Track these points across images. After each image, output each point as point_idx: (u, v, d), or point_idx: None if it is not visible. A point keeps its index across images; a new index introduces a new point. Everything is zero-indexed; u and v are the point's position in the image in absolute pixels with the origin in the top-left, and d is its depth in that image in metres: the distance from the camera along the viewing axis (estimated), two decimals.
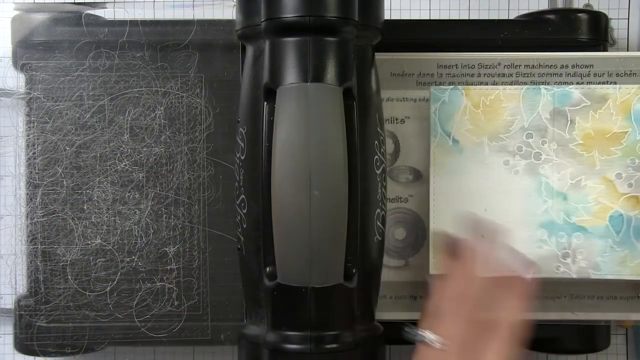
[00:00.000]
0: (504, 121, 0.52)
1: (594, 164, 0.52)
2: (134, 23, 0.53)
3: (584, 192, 0.52)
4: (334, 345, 0.45)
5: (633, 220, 0.51)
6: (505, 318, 0.47)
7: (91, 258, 0.53)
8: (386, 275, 0.53)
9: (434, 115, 0.52)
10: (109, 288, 0.53)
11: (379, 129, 0.48)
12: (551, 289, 0.53)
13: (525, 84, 0.53)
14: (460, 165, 0.52)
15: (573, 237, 0.52)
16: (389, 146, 0.53)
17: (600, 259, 0.52)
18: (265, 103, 0.46)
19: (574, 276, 0.51)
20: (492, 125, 0.52)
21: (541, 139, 0.52)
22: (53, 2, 0.57)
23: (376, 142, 0.48)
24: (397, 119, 0.54)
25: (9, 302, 0.54)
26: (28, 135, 0.53)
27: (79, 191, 0.53)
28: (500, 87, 0.52)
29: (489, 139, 0.52)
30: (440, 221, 0.52)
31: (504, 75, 0.53)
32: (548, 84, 0.53)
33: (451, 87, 0.52)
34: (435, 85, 0.53)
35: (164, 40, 0.53)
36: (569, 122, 0.52)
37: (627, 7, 0.59)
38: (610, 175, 0.52)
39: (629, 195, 0.52)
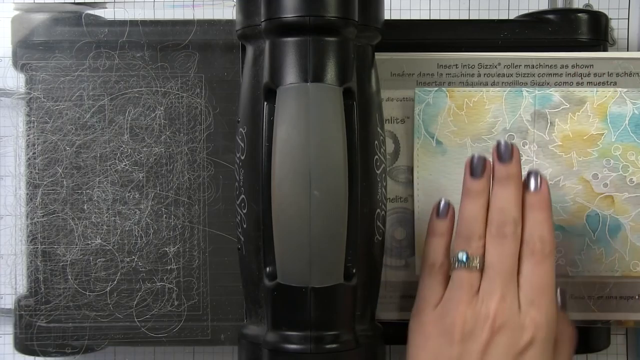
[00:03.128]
0: (487, 123, 0.53)
1: (572, 165, 0.53)
2: (134, 23, 0.53)
3: (563, 192, 0.53)
4: (334, 345, 0.45)
5: (608, 219, 0.52)
6: None
7: (91, 258, 0.53)
8: (386, 275, 0.53)
9: (418, 117, 0.53)
10: (109, 288, 0.53)
11: (379, 129, 0.48)
12: None
13: (526, 84, 0.53)
14: (443, 166, 0.53)
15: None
16: (389, 146, 0.53)
17: (577, 257, 0.53)
18: (265, 103, 0.46)
19: None
20: (475, 127, 0.53)
21: (522, 140, 0.53)
22: (53, 2, 0.57)
23: (376, 142, 0.48)
24: (397, 119, 0.54)
25: (9, 302, 0.54)
26: (28, 135, 0.53)
27: (79, 191, 0.53)
28: (484, 88, 0.53)
29: (472, 141, 0.53)
30: (424, 222, 0.52)
31: (504, 75, 0.53)
32: (548, 84, 0.53)
33: (435, 88, 0.53)
34: (436, 85, 0.53)
35: (164, 40, 0.53)
36: (549, 124, 0.53)
37: (627, 7, 0.59)
38: (587, 175, 0.53)
39: (604, 195, 0.53)
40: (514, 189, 0.47)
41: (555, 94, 0.53)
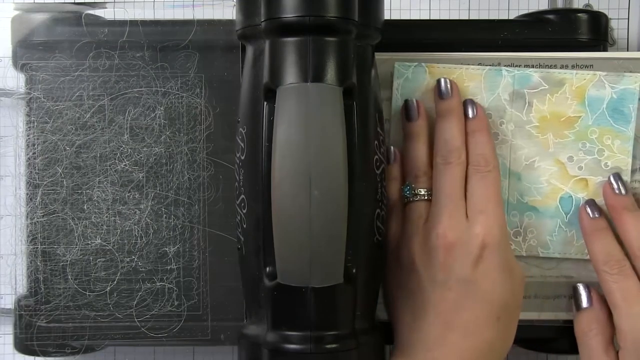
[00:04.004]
0: None
1: (548, 147, 0.53)
2: (134, 23, 0.53)
3: (537, 174, 0.53)
4: (334, 345, 0.45)
5: (581, 202, 0.52)
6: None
7: (91, 258, 0.53)
8: None
9: (397, 92, 0.53)
10: (109, 288, 0.53)
11: (379, 129, 0.48)
12: (549, 289, 0.53)
13: None
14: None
15: (525, 217, 0.53)
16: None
17: (549, 239, 0.53)
18: (265, 103, 0.46)
19: (524, 254, 0.53)
20: None
21: (499, 119, 0.53)
22: (53, 2, 0.57)
23: (376, 142, 0.48)
24: None
25: (9, 302, 0.54)
26: (28, 135, 0.53)
27: (79, 191, 0.53)
28: (464, 66, 0.53)
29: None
30: None
31: None
32: None
33: (415, 63, 0.53)
34: None
35: (164, 40, 0.53)
36: (527, 105, 0.53)
37: (627, 7, 0.59)
38: (562, 157, 0.53)
39: (578, 177, 0.53)
40: (455, 121, 0.51)
41: (535, 75, 0.52)
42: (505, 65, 0.53)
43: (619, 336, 0.49)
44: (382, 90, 0.50)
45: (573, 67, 0.53)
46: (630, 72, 0.53)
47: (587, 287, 0.51)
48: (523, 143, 0.53)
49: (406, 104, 0.52)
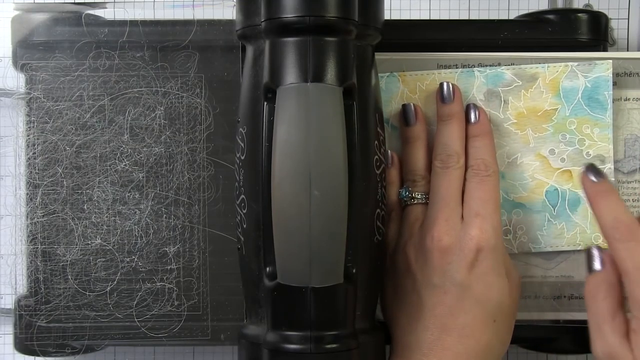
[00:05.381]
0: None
1: (528, 142, 0.53)
2: (134, 23, 0.53)
3: (520, 170, 0.53)
4: (334, 345, 0.45)
5: (567, 194, 0.53)
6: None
7: (91, 258, 0.53)
8: None
9: None
10: (109, 288, 0.53)
11: (379, 129, 0.48)
12: (549, 289, 0.53)
13: None
14: (400, 151, 0.53)
15: (513, 214, 0.53)
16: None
17: (539, 233, 0.53)
18: (265, 103, 0.46)
19: (516, 251, 0.53)
20: (429, 110, 0.53)
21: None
22: (53, 2, 0.57)
23: (376, 142, 0.48)
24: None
25: (9, 302, 0.54)
26: (28, 135, 0.53)
27: (79, 191, 0.53)
28: (436, 71, 0.53)
29: (428, 124, 0.53)
30: None
31: None
32: None
33: (387, 73, 0.53)
34: None
35: (164, 40, 0.53)
36: (503, 102, 0.53)
37: (627, 7, 0.59)
38: (543, 151, 0.53)
39: (562, 169, 0.53)
40: (456, 125, 0.51)
41: (507, 72, 0.53)
42: (505, 65, 0.53)
43: (632, 304, 0.46)
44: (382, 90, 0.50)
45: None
46: (631, 72, 0.53)
47: (600, 250, 0.48)
48: (503, 141, 0.53)
49: (404, 109, 0.52)
